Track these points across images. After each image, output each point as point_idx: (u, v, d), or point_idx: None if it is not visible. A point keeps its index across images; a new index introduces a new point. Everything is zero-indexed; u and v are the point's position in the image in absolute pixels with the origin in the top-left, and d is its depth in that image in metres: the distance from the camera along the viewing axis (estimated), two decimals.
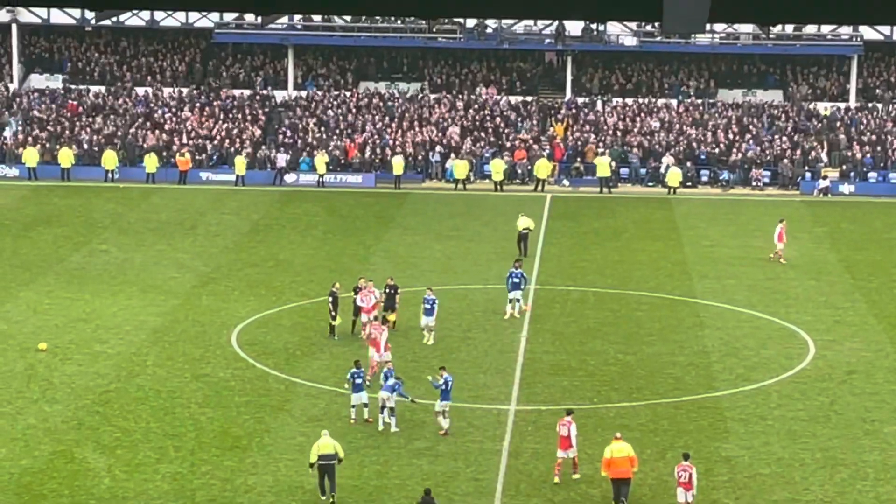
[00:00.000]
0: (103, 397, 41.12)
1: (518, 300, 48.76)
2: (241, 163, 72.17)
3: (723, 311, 50.46)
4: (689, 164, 72.48)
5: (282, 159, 73.12)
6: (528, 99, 77.79)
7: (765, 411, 40.64)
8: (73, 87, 79.31)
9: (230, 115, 76.17)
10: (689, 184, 71.45)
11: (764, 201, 69.83)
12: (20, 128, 75.05)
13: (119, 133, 74.68)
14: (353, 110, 76.57)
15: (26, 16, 77.57)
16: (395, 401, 37.80)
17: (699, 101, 77.66)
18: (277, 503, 33.61)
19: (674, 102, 77.12)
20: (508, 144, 73.83)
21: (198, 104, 77.18)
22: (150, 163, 71.93)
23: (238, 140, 74.27)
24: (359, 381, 38.47)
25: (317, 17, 74.63)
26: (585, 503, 33.34)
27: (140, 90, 78.31)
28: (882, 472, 36.16)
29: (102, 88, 78.76)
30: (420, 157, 73.12)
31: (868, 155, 72.69)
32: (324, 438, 33.72)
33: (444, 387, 37.87)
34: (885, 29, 73.55)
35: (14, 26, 78.91)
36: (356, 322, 45.69)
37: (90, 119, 75.72)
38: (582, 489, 34.05)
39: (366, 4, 10.44)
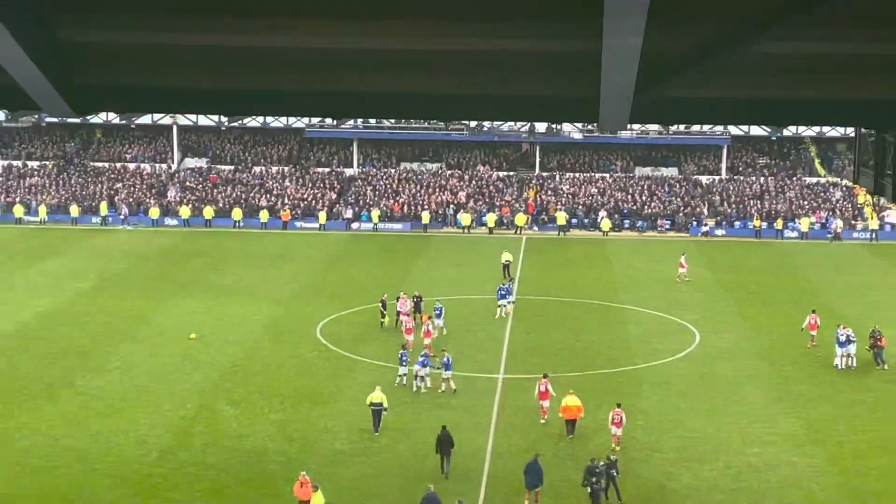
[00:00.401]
0: (232, 369, 41.38)
1: (503, 306, 49.11)
2: (322, 216, 72.02)
3: (639, 312, 50.67)
4: (616, 216, 72.27)
5: (349, 213, 73.03)
6: (511, 174, 77.73)
7: (667, 378, 40.88)
8: (213, 166, 79.10)
9: (316, 185, 76.09)
10: (616, 229, 71.22)
11: (666, 241, 69.76)
12: (178, 193, 74.97)
13: (243, 196, 74.58)
14: (396, 181, 76.46)
15: (182, 119, 77.46)
16: (426, 372, 38.34)
17: (623, 174, 77.54)
18: (347, 438, 33.91)
19: (607, 175, 76.84)
20: (497, 203, 73.61)
21: (295, 177, 77.07)
22: (263, 216, 71.83)
23: (320, 201, 74.11)
24: (403, 359, 39.04)
25: (371, 120, 74.17)
26: (549, 436, 33.68)
27: (256, 168, 78.02)
28: (742, 416, 36.43)
29: (232, 167, 78.51)
30: (440, 212, 72.97)
31: (734, 210, 72.62)
32: (375, 392, 34.66)
33: (446, 362, 38.66)
34: (745, 127, 73.29)
35: (175, 127, 78.81)
36: (397, 320, 45.99)
37: (224, 187, 75.64)
38: (545, 429, 34.49)
39: (369, 108, 10.51)
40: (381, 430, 34.43)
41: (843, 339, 42.37)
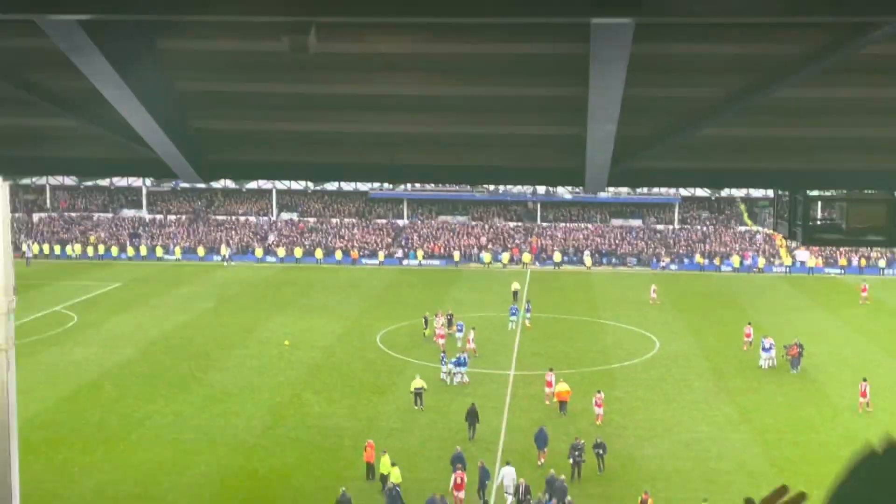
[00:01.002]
0: (315, 368, 41.34)
1: (513, 321, 48.93)
2: (381, 255, 72.00)
3: (614, 326, 50.34)
4: (596, 255, 72.04)
5: (400, 252, 72.99)
6: (519, 224, 77.65)
7: (634, 375, 40.55)
8: (302, 218, 79.33)
9: (376, 232, 76.25)
10: (596, 265, 71.02)
11: (633, 274, 69.42)
12: (276, 238, 75.18)
13: (323, 241, 74.71)
14: (435, 229, 76.44)
15: (279, 185, 77.86)
16: (458, 370, 38.40)
17: (601, 224, 77.51)
18: (399, 417, 33.88)
19: (589, 225, 76.70)
20: (509, 245, 73.57)
21: (361, 226, 77.20)
22: (338, 255, 71.83)
23: (380, 244, 74.23)
24: (443, 360, 39.05)
25: (417, 185, 74.04)
26: (548, 417, 33.49)
27: (333, 220, 78.13)
28: (690, 403, 36.11)
29: (315, 219, 78.69)
30: (467, 252, 72.86)
31: (682, 251, 72.38)
32: (416, 380, 35.57)
33: (463, 361, 39.10)
34: (691, 189, 73.14)
35: (274, 190, 79.17)
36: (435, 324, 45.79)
37: (309, 234, 75.86)
38: (546, 410, 34.32)
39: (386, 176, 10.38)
40: (424, 410, 34.82)
41: (766, 345, 42.33)
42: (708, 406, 36.78)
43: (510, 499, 26.95)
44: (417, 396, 35.75)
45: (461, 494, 27.39)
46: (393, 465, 28.00)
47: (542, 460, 29.88)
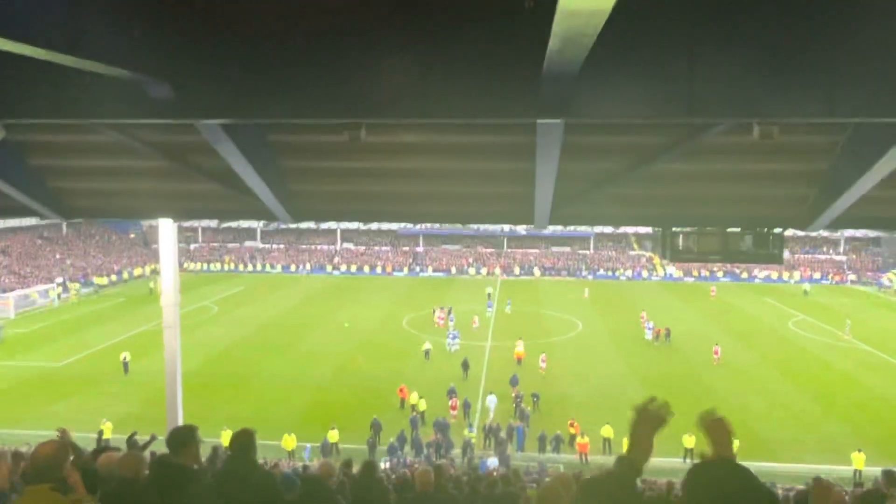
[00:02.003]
0: (364, 340, 41.09)
1: (490, 312, 48.52)
2: (406, 269, 71.57)
3: (553, 314, 50.12)
4: (542, 269, 71.77)
5: (417, 268, 72.66)
6: (492, 249, 77.21)
7: (566, 344, 40.36)
8: (356, 246, 79.16)
9: (402, 255, 76.01)
10: (542, 275, 70.69)
11: (566, 281, 68.98)
12: (339, 259, 74.91)
13: (368, 260, 74.32)
14: (440, 253, 76.30)
15: (343, 225, 77.50)
16: (453, 342, 37.80)
17: (545, 249, 77.05)
18: (419, 369, 33.59)
19: (537, 250, 76.42)
20: (486, 264, 73.29)
21: (393, 252, 76.79)
22: (378, 269, 71.62)
23: (404, 262, 74.01)
24: (448, 336, 38.48)
25: (428, 224, 73.26)
26: (513, 367, 33.30)
27: (375, 247, 77.68)
28: (602, 362, 35.84)
29: (364, 247, 78.54)
30: (459, 268, 72.70)
31: (596, 266, 72.09)
32: (425, 344, 36.07)
33: (455, 335, 38.61)
34: (599, 228, 72.84)
35: (339, 229, 78.92)
36: (440, 319, 45.23)
37: (360, 256, 75.56)
38: (515, 369, 34.06)
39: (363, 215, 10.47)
40: (431, 363, 34.72)
41: (650, 326, 42.25)
42: (613, 364, 36.54)
43: (471, 430, 26.90)
44: (426, 353, 36.55)
45: (454, 412, 28.38)
46: (420, 398, 28.58)
47: (514, 394, 29.89)
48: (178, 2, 5.28)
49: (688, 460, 24.02)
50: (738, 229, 9.94)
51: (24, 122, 7.71)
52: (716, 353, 37.07)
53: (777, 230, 9.87)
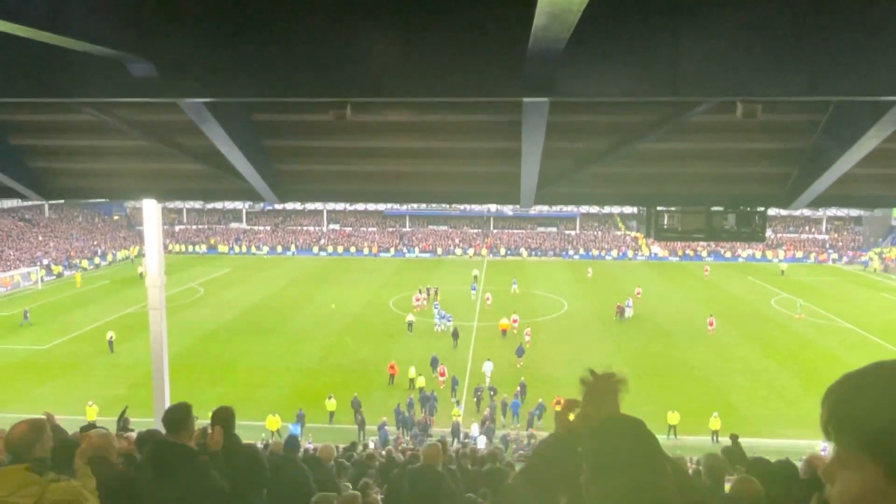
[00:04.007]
0: (351, 321, 41.15)
1: (474, 293, 48.66)
2: (392, 251, 71.49)
3: (540, 294, 50.38)
4: (528, 249, 72.00)
5: (404, 249, 72.70)
6: (479, 230, 77.27)
7: (551, 323, 40.62)
8: (342, 227, 78.69)
9: (389, 235, 75.87)
10: (529, 256, 71.01)
11: (551, 262, 69.29)
12: (326, 240, 74.48)
13: (355, 241, 74.07)
14: (426, 234, 76.23)
15: (329, 205, 77.05)
16: (442, 322, 37.94)
17: (531, 230, 77.17)
18: (406, 345, 33.69)
19: (523, 231, 76.63)
20: (473, 244, 73.44)
21: (379, 233, 76.58)
22: (365, 250, 71.41)
23: (392, 243, 73.94)
24: (437, 315, 38.58)
25: (415, 205, 73.19)
26: (495, 339, 33.48)
27: (362, 228, 77.43)
28: (587, 339, 36.12)
29: (350, 228, 78.26)
30: (446, 248, 72.82)
31: (582, 247, 72.42)
32: (409, 316, 37.35)
33: (446, 315, 38.79)
34: (585, 207, 73.00)
35: (325, 210, 78.39)
36: (417, 302, 45.33)
37: (346, 237, 75.32)
38: (502, 340, 34.23)
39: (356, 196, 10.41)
40: (418, 336, 34.62)
41: (630, 303, 42.81)
42: (598, 341, 36.88)
43: (454, 405, 27.27)
44: (409, 325, 37.85)
45: (443, 378, 29.87)
46: (419, 375, 29.40)
47: (519, 365, 31.72)
48: None
49: (671, 437, 24.38)
50: (722, 208, 10.04)
51: (4, 101, 7.61)
52: (710, 324, 38.27)
53: (760, 209, 9.97)
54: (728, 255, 68.38)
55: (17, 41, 4.47)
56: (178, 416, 4.60)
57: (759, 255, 68.42)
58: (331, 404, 26.32)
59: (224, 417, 5.22)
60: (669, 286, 53.93)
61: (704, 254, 68.50)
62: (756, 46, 5.30)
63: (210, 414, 5.39)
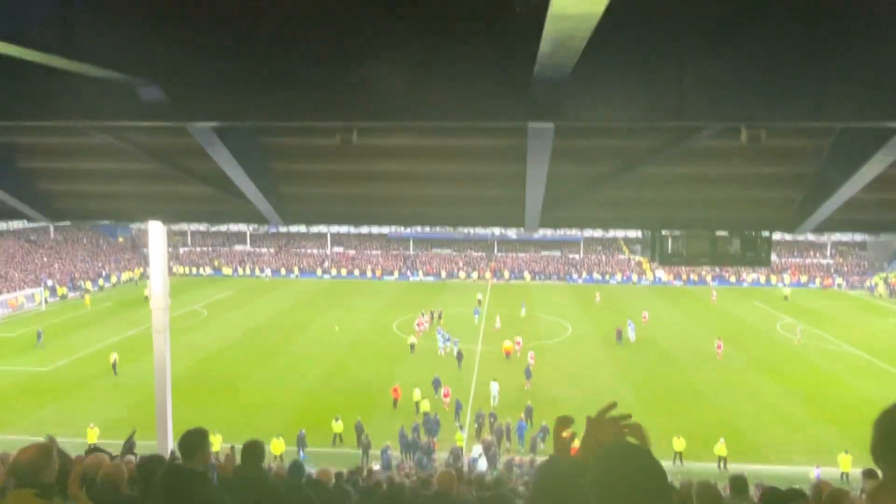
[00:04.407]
0: (354, 343, 41.05)
1: (476, 317, 48.48)
2: (396, 273, 71.30)
3: (545, 318, 50.19)
4: (532, 273, 71.89)
5: (408, 272, 72.56)
6: (483, 253, 77.13)
7: (556, 346, 40.40)
8: (345, 250, 78.65)
9: (393, 259, 75.95)
10: (532, 280, 70.84)
11: (554, 286, 69.05)
12: (329, 263, 74.31)
13: (358, 264, 74.14)
14: (430, 257, 76.28)
15: (333, 229, 77.04)
16: (446, 345, 37.81)
17: (535, 253, 77.08)
18: (409, 367, 33.48)
19: (526, 254, 76.62)
20: (477, 268, 73.39)
21: (383, 255, 76.52)
22: (369, 272, 71.22)
23: (396, 266, 73.93)
24: (439, 338, 38.56)
25: (419, 228, 73.36)
26: (499, 362, 33.31)
27: (366, 251, 77.41)
28: (591, 363, 35.88)
29: (354, 251, 78.33)
30: (450, 272, 72.79)
31: (586, 270, 72.23)
32: (411, 338, 36.55)
33: (450, 338, 38.61)
34: (588, 231, 73.09)
35: (329, 233, 78.43)
36: (420, 325, 45.24)
37: (351, 259, 75.25)
38: (506, 363, 33.96)
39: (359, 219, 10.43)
40: (421, 359, 34.22)
41: (632, 325, 42.82)
42: (600, 365, 36.69)
43: (462, 432, 26.90)
44: (412, 347, 38.29)
45: (447, 399, 30.03)
46: (424, 398, 29.31)
47: (528, 387, 32.28)
48: (169, 3, 5.27)
49: (677, 463, 24.10)
50: (727, 232, 10.02)
51: (13, 124, 7.67)
52: (718, 347, 38.23)
53: (765, 233, 9.95)
54: (733, 279, 68.17)
55: (27, 65, 4.52)
56: (194, 441, 4.58)
57: (763, 279, 68.20)
58: (337, 426, 26.28)
59: (255, 453, 5.21)
60: (674, 311, 53.70)
61: (709, 278, 68.32)
62: (761, 72, 5.33)
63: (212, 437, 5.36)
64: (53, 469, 3.66)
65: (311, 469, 19.82)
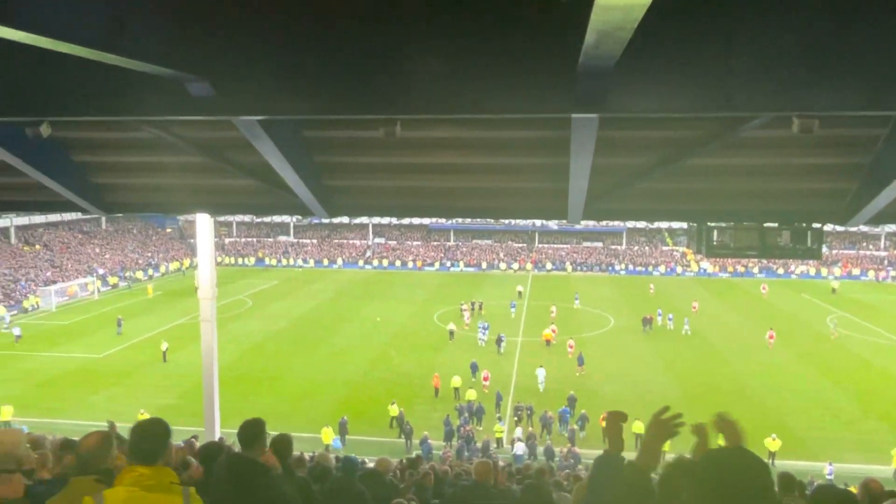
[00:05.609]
0: (395, 334, 41.32)
1: (513, 310, 48.23)
2: (437, 265, 71.48)
3: (587, 310, 49.77)
4: (573, 264, 71.33)
5: (448, 263, 72.70)
6: (524, 244, 76.90)
7: (599, 338, 40.03)
8: (387, 241, 79.20)
9: (434, 249, 76.05)
10: (574, 271, 70.44)
11: (597, 277, 68.50)
12: (371, 253, 75.00)
13: (399, 255, 74.50)
14: (471, 248, 76.27)
15: (374, 220, 77.55)
16: (486, 336, 37.80)
17: (576, 245, 76.53)
18: (450, 357, 33.59)
19: (569, 245, 76.15)
20: (517, 259, 73.13)
21: (424, 247, 76.72)
22: (409, 264, 71.63)
23: (436, 257, 74.05)
24: (479, 329, 38.53)
25: (460, 220, 73.30)
26: (543, 353, 33.07)
27: (407, 242, 77.69)
28: (631, 355, 35.48)
29: (395, 242, 78.73)
30: (490, 263, 72.70)
31: (629, 262, 71.25)
32: (450, 325, 36.55)
33: (486, 327, 38.95)
34: (632, 223, 72.14)
35: (370, 224, 78.90)
36: (462, 315, 45.19)
37: (392, 251, 75.67)
38: (543, 349, 33.80)
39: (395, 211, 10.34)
40: (461, 348, 34.24)
41: (671, 317, 42.87)
42: (640, 356, 36.28)
43: (500, 424, 26.84)
44: (451, 334, 38.98)
45: (487, 383, 30.72)
46: (468, 388, 29.44)
47: (580, 373, 32.91)
48: (216, 1, 5.35)
49: None
50: (776, 224, 9.77)
51: (68, 120, 7.90)
52: (770, 337, 37.69)
53: (815, 225, 9.67)
54: (780, 271, 66.56)
55: (79, 61, 4.64)
56: (253, 431, 4.67)
57: (812, 271, 66.42)
58: (393, 409, 26.81)
59: (283, 446, 5.28)
60: (720, 303, 52.74)
61: (756, 270, 66.85)
62: (813, 59, 5.17)
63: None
64: (113, 455, 3.78)
65: (359, 458, 20.16)
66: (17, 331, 40.38)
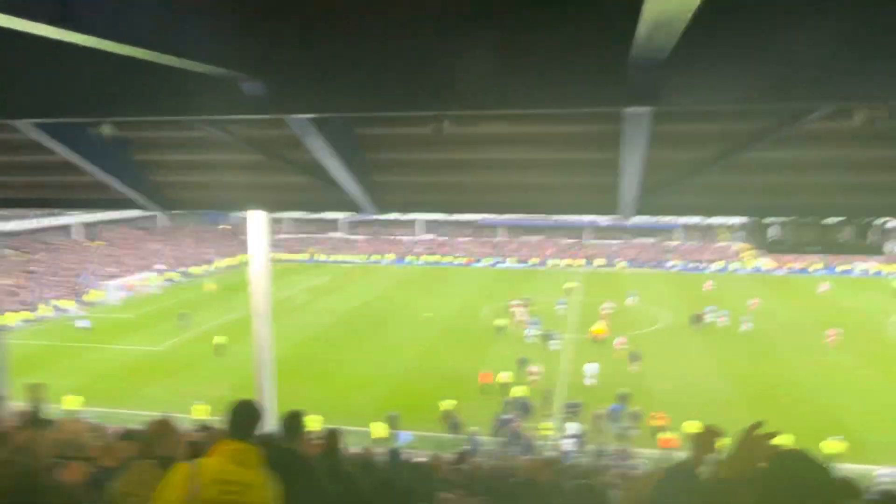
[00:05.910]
0: (444, 329, 41.39)
1: (562, 305, 47.76)
2: (486, 260, 71.23)
3: (637, 306, 48.91)
4: (626, 261, 70.35)
5: (498, 258, 72.49)
6: (574, 240, 76.10)
7: (650, 335, 39.38)
8: (436, 237, 79.41)
9: (482, 245, 75.87)
10: (627, 268, 69.36)
11: (648, 274, 67.27)
12: (421, 249, 75.15)
13: (448, 251, 74.56)
14: (519, 244, 75.82)
15: (423, 215, 77.80)
16: (535, 333, 37.65)
17: (629, 240, 75.29)
18: (497, 350, 33.54)
19: (620, 241, 74.96)
20: (567, 255, 72.43)
21: (473, 242, 76.78)
22: (457, 260, 71.59)
23: (484, 253, 74.03)
24: (528, 324, 38.40)
25: (508, 215, 73.03)
26: (592, 348, 32.71)
27: (455, 239, 77.80)
28: (676, 349, 34.83)
29: (446, 237, 79.01)
30: (540, 258, 72.09)
31: (684, 258, 69.88)
32: (498, 320, 35.51)
33: (535, 322, 38.64)
34: (686, 218, 70.61)
35: (416, 220, 79.24)
36: (512, 312, 44.90)
37: (440, 247, 75.89)
38: (593, 346, 33.42)
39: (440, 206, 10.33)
40: (509, 344, 34.03)
41: (726, 314, 42.25)
42: (696, 357, 35.52)
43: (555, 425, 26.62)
44: (500, 329, 39.19)
45: (536, 378, 30.54)
46: (516, 385, 29.32)
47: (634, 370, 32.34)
48: (269, 2, 5.45)
49: None
50: (837, 219, 9.44)
51: (129, 120, 8.16)
52: (830, 336, 36.83)
53: (878, 220, 9.33)
54: (841, 268, 64.29)
55: (139, 63, 4.79)
56: (293, 422, 4.75)
57: (875, 269, 63.94)
58: (444, 404, 26.89)
59: (333, 440, 5.32)
60: (776, 300, 51.20)
61: (816, 267, 64.72)
62: (876, 47, 4.96)
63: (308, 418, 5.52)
64: (175, 442, 3.91)
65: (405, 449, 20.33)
66: (86, 323, 42.13)
